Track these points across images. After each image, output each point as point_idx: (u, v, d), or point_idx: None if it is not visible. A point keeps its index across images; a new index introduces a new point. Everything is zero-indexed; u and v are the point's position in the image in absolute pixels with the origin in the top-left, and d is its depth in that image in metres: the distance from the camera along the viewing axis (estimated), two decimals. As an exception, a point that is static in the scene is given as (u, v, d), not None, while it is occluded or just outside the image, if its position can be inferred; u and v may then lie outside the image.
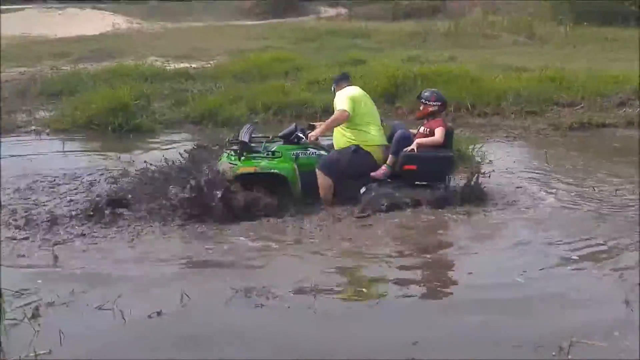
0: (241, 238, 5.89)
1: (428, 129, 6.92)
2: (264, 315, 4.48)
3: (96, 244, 5.75)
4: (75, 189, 7.23)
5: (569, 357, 3.83)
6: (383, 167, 6.78)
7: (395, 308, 4.61)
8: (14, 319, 4.37)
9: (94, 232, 5.97)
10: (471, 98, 11.35)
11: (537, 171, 8.01)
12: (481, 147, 8.39)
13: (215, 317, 4.49)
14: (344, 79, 7.10)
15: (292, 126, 7.16)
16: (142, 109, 10.67)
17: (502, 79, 12.31)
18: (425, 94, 7.05)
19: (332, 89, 7.10)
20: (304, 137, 6.96)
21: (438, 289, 5.01)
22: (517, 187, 7.27)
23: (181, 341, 4.17)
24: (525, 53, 16.77)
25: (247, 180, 6.66)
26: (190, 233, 6.00)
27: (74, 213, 6.36)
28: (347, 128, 6.78)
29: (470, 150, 8.14)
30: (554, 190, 7.17)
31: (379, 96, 11.67)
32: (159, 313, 4.46)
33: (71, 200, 6.80)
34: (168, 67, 15.12)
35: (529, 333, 4.12)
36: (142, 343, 4.17)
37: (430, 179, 6.78)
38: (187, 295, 4.65)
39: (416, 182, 6.74)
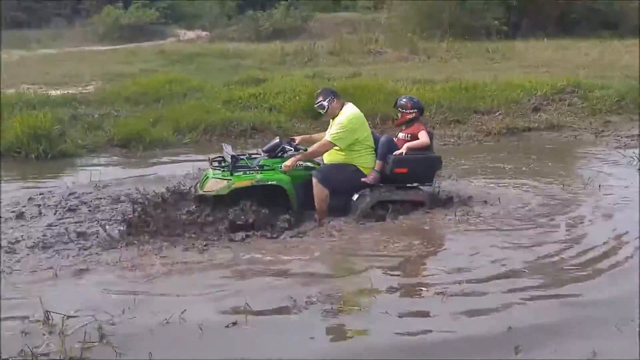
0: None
1: (409, 134, 7.42)
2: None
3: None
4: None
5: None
6: (372, 173, 7.16)
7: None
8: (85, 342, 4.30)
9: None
10: (394, 111, 11.99)
11: (495, 174, 8.77)
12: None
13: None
14: (336, 95, 7.25)
15: (277, 140, 7.36)
16: (60, 134, 10.35)
17: (417, 91, 13.13)
18: (402, 102, 7.54)
19: (323, 105, 7.18)
20: (292, 148, 7.21)
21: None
22: (483, 189, 7.96)
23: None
24: (416, 67, 17.93)
25: (240, 196, 6.82)
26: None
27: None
28: (344, 149, 7.03)
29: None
30: (523, 189, 7.94)
31: (303, 112, 12.17)
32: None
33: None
34: (52, 94, 14.61)
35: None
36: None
37: (420, 180, 7.29)
38: (248, 305, 4.79)
39: (407, 184, 7.25)
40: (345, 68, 17.62)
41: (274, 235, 6.49)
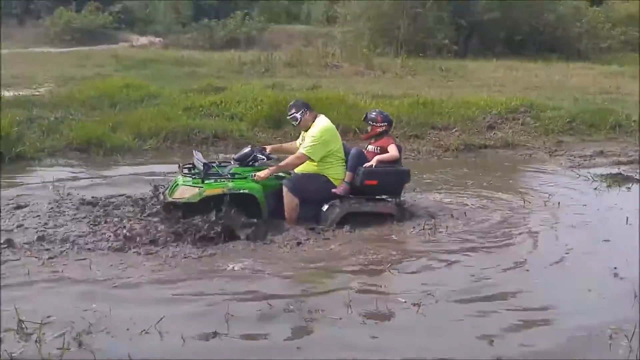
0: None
1: (379, 147, 7.50)
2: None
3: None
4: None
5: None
6: (342, 184, 7.22)
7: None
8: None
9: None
10: (355, 123, 12.13)
11: (458, 188, 8.92)
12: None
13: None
14: (308, 107, 7.30)
15: (248, 148, 7.35)
16: (17, 137, 10.10)
17: (377, 105, 13.25)
18: (372, 115, 7.62)
19: (296, 117, 7.20)
20: (264, 157, 7.21)
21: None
22: (448, 203, 8.10)
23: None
24: (373, 82, 18.10)
25: (211, 204, 6.78)
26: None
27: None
28: (316, 161, 7.08)
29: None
30: (486, 204, 8.10)
31: (264, 121, 12.18)
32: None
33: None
34: (5, 95, 14.25)
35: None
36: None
37: (389, 193, 7.41)
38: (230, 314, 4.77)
39: (376, 196, 7.33)
40: (304, 80, 17.65)
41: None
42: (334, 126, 7.31)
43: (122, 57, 23.34)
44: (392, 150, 7.42)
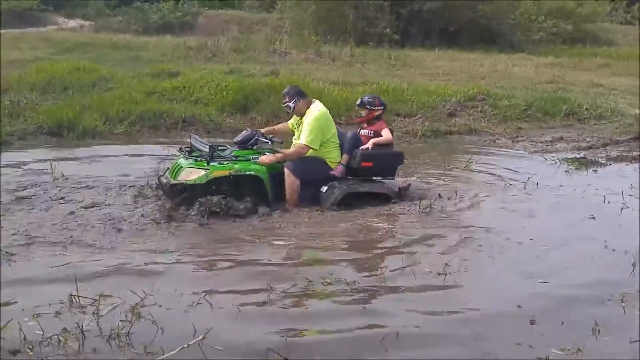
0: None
1: (372, 131, 7.90)
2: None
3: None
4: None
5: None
6: (339, 166, 7.60)
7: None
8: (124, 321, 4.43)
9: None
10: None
11: (438, 171, 9.42)
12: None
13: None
14: (302, 94, 7.63)
15: (249, 132, 7.62)
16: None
17: (341, 92, 13.65)
18: (369, 99, 8.02)
19: (290, 106, 7.54)
20: (268, 141, 7.50)
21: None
22: (434, 184, 8.59)
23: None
24: (325, 69, 18.43)
25: (217, 185, 7.05)
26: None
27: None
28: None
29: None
30: (469, 185, 8.62)
31: (231, 106, 12.39)
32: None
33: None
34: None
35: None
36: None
37: (384, 174, 7.83)
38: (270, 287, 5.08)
39: (372, 178, 7.72)
40: (254, 66, 17.82)
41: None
42: (327, 111, 7.65)
43: (57, 41, 22.92)
44: (387, 134, 7.83)
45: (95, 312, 4.55)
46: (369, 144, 7.66)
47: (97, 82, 14.32)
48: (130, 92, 12.84)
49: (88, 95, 12.58)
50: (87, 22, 32.52)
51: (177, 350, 4.05)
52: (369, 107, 7.92)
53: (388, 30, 27.77)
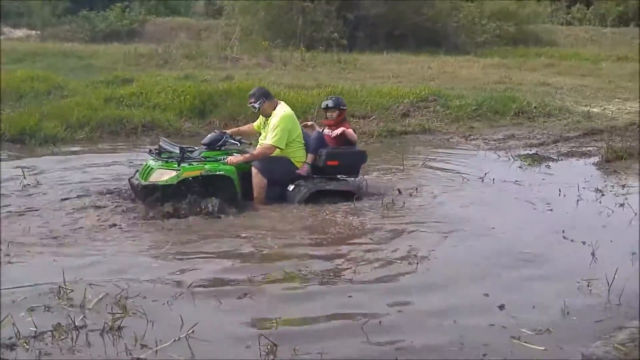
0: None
1: (337, 132, 8.15)
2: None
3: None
4: None
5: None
6: (305, 165, 7.85)
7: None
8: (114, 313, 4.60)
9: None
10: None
11: (396, 169, 9.75)
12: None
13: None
14: (268, 95, 7.85)
15: (217, 133, 7.83)
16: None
17: (297, 95, 13.89)
18: (339, 100, 8.29)
19: (255, 106, 7.75)
20: (237, 142, 7.72)
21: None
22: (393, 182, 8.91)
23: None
24: (277, 74, 18.69)
25: (187, 186, 7.24)
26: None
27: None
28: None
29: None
30: (429, 182, 8.97)
31: (189, 111, 12.57)
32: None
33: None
34: None
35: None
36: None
37: (348, 173, 8.11)
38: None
39: (337, 176, 7.99)
40: (205, 72, 17.97)
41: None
42: (293, 113, 7.91)
43: (5, 51, 22.70)
44: (352, 133, 8.10)
45: (82, 304, 4.69)
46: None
47: (52, 91, 14.37)
48: (88, 99, 12.88)
49: (45, 104, 12.58)
50: (34, 32, 32.12)
51: (169, 343, 4.24)
52: (342, 107, 8.16)
53: (336, 34, 28.17)
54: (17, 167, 8.79)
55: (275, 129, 7.59)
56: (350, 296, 5.13)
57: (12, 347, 4.14)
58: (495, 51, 29.18)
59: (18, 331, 4.25)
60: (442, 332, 4.58)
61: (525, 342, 4.37)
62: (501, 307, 4.94)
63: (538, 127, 13.24)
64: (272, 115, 7.73)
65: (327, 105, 8.24)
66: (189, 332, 4.33)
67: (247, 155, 7.61)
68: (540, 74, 20.94)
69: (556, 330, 4.56)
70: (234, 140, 7.72)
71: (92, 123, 11.47)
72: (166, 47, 20.81)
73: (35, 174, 8.40)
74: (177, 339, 4.28)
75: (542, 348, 4.32)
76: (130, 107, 12.69)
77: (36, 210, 7.05)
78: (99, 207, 7.19)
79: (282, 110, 7.76)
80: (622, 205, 7.71)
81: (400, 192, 8.24)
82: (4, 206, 7.14)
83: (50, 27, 31.97)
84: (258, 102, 7.75)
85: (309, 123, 8.43)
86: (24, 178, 8.12)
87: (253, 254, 6.07)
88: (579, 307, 4.95)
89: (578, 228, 6.91)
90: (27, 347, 4.15)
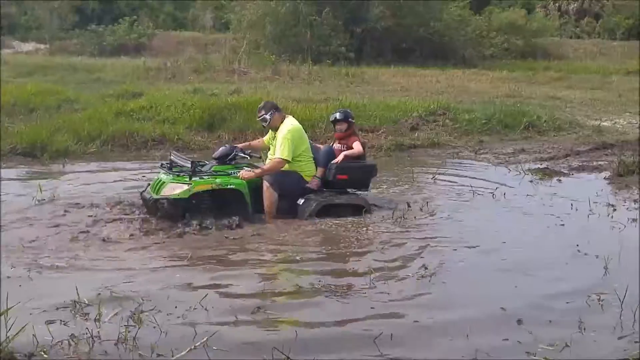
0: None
1: (345, 145, 8.21)
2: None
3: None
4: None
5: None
6: (314, 179, 7.91)
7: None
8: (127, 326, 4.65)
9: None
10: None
11: (407, 183, 9.80)
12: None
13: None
14: (277, 108, 7.95)
15: (227, 147, 7.91)
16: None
17: (305, 109, 13.96)
18: (348, 113, 8.35)
19: (266, 119, 7.83)
20: (248, 156, 7.79)
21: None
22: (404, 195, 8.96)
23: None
24: (285, 87, 18.82)
25: (199, 199, 7.31)
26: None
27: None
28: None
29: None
30: (439, 195, 9.01)
31: (198, 125, 12.68)
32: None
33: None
34: None
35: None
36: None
37: (358, 186, 8.15)
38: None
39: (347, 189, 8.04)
40: (214, 85, 18.11)
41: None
42: (301, 126, 7.98)
43: (15, 64, 23.11)
44: (357, 147, 8.13)
45: (97, 317, 4.75)
46: (339, 158, 7.95)
47: (63, 104, 14.68)
48: (99, 113, 13.00)
49: (56, 117, 12.73)
50: (42, 45, 32.48)
51: (186, 351, 4.28)
52: (351, 119, 8.21)
53: (343, 48, 28.36)
54: (31, 179, 8.87)
55: (282, 141, 7.66)
56: (362, 309, 5.17)
57: (30, 356, 4.18)
58: (503, 64, 29.25)
59: (37, 341, 4.30)
60: (456, 347, 4.60)
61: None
62: (519, 321, 4.95)
63: (548, 141, 13.28)
64: (280, 128, 7.81)
65: (335, 117, 8.29)
66: (205, 340, 4.38)
67: (257, 170, 7.67)
68: (549, 88, 21.01)
69: (573, 346, 4.56)
70: (244, 154, 7.79)
71: (103, 136, 11.63)
72: (175, 61, 20.92)
73: (49, 188, 8.41)
74: (192, 347, 4.32)
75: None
76: (140, 121, 12.81)
77: (54, 226, 7.11)
78: (114, 220, 7.27)
79: (290, 123, 7.84)
80: (634, 220, 7.73)
81: (409, 205, 8.26)
82: (19, 220, 7.22)
83: (59, 40, 32.30)
84: (269, 114, 7.83)
85: None
86: (40, 192, 8.17)
87: (266, 266, 6.17)
88: (595, 322, 4.96)
89: (590, 242, 6.90)
90: (46, 356, 4.20)
